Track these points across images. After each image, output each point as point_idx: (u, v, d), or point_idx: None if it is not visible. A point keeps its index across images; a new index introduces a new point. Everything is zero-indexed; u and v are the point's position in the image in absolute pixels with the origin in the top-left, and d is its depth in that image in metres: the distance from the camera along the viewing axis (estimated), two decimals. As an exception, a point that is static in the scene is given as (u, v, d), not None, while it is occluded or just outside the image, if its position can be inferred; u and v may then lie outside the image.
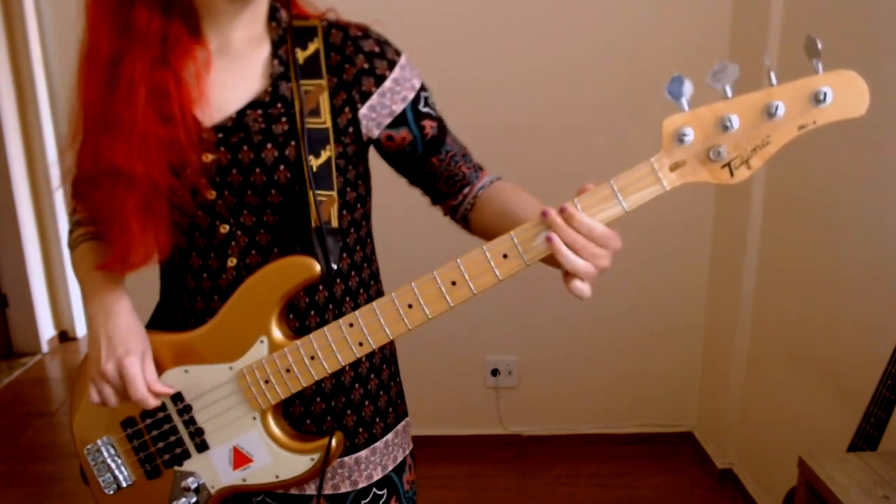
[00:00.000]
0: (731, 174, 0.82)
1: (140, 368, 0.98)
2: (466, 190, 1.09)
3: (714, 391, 2.75)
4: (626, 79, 2.54)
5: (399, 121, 1.03)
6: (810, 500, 1.49)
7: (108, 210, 0.96)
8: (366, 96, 1.01)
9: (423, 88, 1.06)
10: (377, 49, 1.02)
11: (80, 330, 4.27)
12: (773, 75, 0.79)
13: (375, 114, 1.02)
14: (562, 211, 0.84)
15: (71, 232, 1.12)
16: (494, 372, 2.86)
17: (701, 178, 0.82)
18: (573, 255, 0.84)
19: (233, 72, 1.00)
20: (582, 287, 0.86)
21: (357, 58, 1.01)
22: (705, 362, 2.83)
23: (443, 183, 1.09)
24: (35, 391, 3.67)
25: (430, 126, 1.05)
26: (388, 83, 1.01)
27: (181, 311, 1.07)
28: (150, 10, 0.93)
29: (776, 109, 0.78)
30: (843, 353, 1.95)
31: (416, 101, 1.04)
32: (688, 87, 0.80)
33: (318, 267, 0.95)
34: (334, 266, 0.97)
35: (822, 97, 0.77)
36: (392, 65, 1.02)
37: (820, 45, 0.76)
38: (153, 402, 1.00)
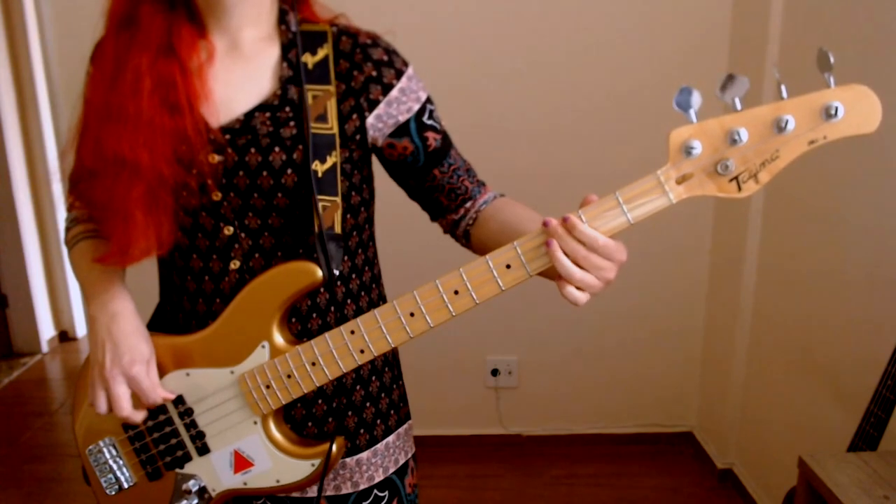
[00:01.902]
0: (739, 188, 0.80)
1: (146, 377, 0.99)
2: (469, 204, 1.09)
3: (714, 391, 2.75)
4: (625, 81, 2.54)
5: (402, 131, 1.03)
6: (810, 500, 1.49)
7: (110, 200, 0.95)
8: (373, 104, 1.01)
9: (428, 101, 1.06)
10: (385, 58, 1.02)
11: (80, 330, 4.27)
12: (783, 88, 0.77)
13: (382, 123, 1.02)
14: (564, 221, 0.84)
15: (68, 229, 1.12)
16: (494, 372, 2.86)
17: (708, 192, 0.81)
18: (569, 263, 0.84)
19: (241, 72, 1.00)
20: (576, 293, 0.85)
21: (366, 65, 1.01)
22: (705, 362, 2.83)
23: (444, 196, 1.09)
24: (35, 391, 3.67)
25: (433, 138, 1.05)
26: (394, 92, 1.01)
27: (182, 313, 1.07)
28: (154, 6, 0.95)
29: (786, 124, 0.77)
30: (843, 353, 1.96)
31: (420, 112, 1.04)
32: (696, 99, 0.79)
33: (320, 272, 0.95)
34: (336, 272, 0.97)
35: (833, 112, 0.76)
36: (399, 74, 1.02)
37: (832, 59, 0.74)
38: (138, 418, 1.01)
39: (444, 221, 1.12)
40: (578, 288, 0.86)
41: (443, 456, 2.86)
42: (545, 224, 0.85)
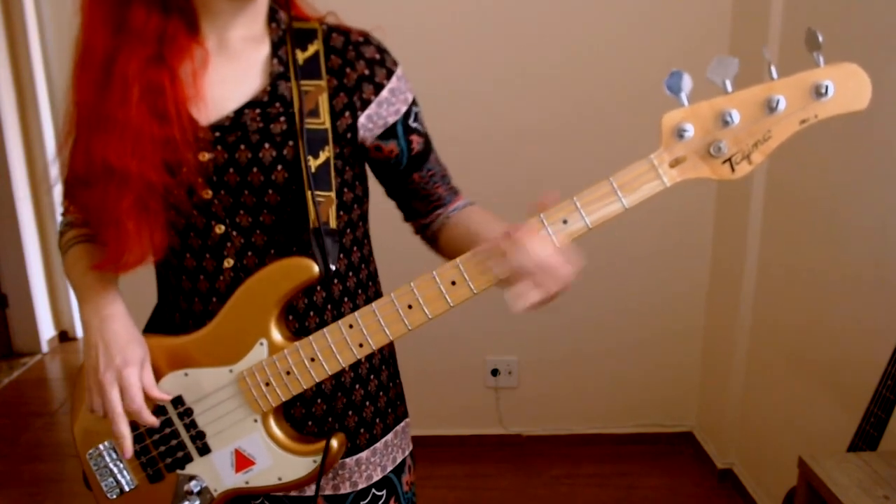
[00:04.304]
0: (732, 169, 0.81)
1: (138, 380, 0.98)
2: (440, 210, 1.11)
3: (714, 391, 2.75)
4: (626, 76, 2.53)
5: (389, 133, 1.04)
6: (810, 500, 1.49)
7: (101, 210, 0.95)
8: (366, 104, 1.01)
9: (414, 103, 1.06)
10: (377, 56, 1.02)
11: (80, 330, 4.25)
12: (773, 69, 0.78)
13: (372, 124, 1.02)
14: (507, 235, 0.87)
15: (62, 234, 1.12)
16: (494, 372, 2.86)
17: (701, 174, 0.82)
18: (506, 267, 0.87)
19: (231, 70, 1.00)
20: (528, 295, 0.88)
21: (358, 63, 1.01)
22: (705, 362, 2.83)
23: (419, 201, 1.10)
24: (35, 391, 3.67)
25: (416, 142, 1.06)
26: (384, 93, 1.02)
27: (178, 313, 1.07)
28: (148, 8, 0.93)
29: (777, 104, 0.78)
30: (843, 354, 1.95)
31: (407, 114, 1.04)
32: (687, 82, 0.80)
33: (316, 268, 0.95)
34: (333, 267, 0.96)
35: (823, 90, 0.76)
36: (390, 74, 1.02)
37: (821, 38, 0.75)
38: (148, 419, 1.00)
39: (415, 224, 1.14)
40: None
41: (442, 456, 2.86)
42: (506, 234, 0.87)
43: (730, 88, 0.79)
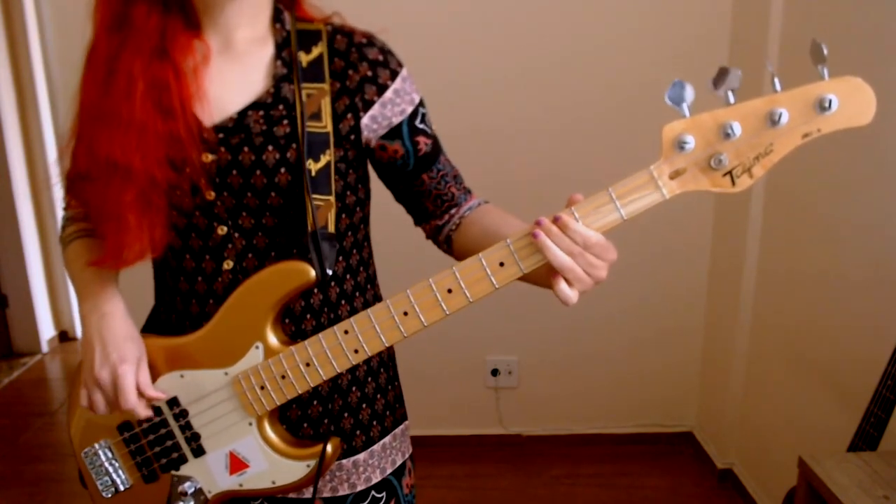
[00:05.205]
0: (733, 183, 0.80)
1: (134, 377, 0.98)
2: (453, 211, 1.09)
3: (714, 391, 2.75)
4: (624, 81, 2.53)
5: (394, 133, 1.03)
6: (810, 500, 1.49)
7: (103, 204, 0.95)
8: (368, 105, 1.00)
9: (421, 104, 1.05)
10: (381, 57, 1.02)
11: (80, 329, 4.26)
12: (776, 81, 0.77)
13: (376, 124, 1.02)
14: (556, 220, 0.84)
15: (63, 228, 1.12)
16: (494, 372, 2.86)
17: (701, 187, 0.81)
18: (562, 253, 0.83)
19: (235, 71, 1.00)
20: (567, 291, 0.85)
21: (361, 65, 1.00)
22: (705, 362, 2.83)
23: (430, 202, 1.08)
24: (35, 391, 3.68)
25: (423, 143, 1.05)
26: (388, 93, 1.01)
27: (175, 314, 1.07)
28: (149, 6, 0.94)
29: (779, 117, 0.76)
30: (843, 353, 1.95)
31: (413, 116, 1.04)
32: (689, 93, 0.79)
33: (313, 272, 0.94)
34: (329, 271, 0.96)
35: (827, 104, 0.75)
36: (394, 75, 1.02)
37: (826, 51, 0.74)
38: (143, 412, 1.00)
39: (428, 226, 1.12)
40: (569, 284, 0.85)
41: (443, 456, 2.85)
42: (538, 223, 0.84)
43: (732, 100, 0.78)
